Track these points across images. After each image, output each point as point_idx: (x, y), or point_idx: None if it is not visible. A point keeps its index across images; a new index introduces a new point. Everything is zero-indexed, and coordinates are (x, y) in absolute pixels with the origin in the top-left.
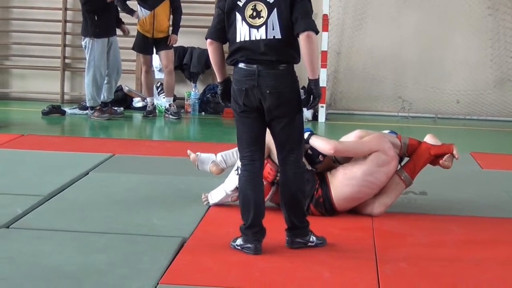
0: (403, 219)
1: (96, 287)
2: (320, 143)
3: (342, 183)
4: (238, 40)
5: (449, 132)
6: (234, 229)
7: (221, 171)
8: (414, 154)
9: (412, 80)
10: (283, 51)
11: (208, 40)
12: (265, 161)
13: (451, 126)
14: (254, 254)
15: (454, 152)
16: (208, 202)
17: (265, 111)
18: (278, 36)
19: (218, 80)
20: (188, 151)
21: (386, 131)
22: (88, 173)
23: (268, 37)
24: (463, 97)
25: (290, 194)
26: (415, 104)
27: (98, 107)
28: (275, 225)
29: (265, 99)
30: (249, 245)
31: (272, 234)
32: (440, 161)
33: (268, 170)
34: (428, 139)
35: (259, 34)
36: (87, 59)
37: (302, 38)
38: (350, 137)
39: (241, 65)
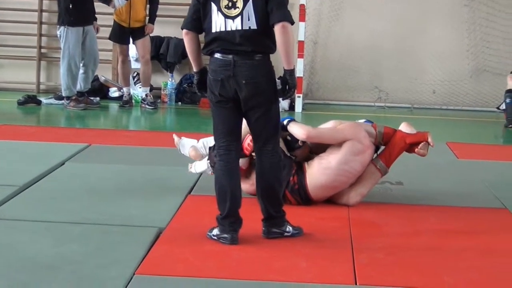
0: (379, 209)
1: (72, 277)
2: (295, 129)
3: (318, 172)
4: (213, 30)
5: (425, 122)
6: (210, 219)
7: (199, 157)
8: (389, 142)
9: (388, 71)
10: (259, 42)
11: (184, 31)
12: (246, 136)
13: (427, 116)
14: (230, 244)
15: (429, 140)
16: (191, 172)
17: (241, 101)
18: (254, 26)
19: (194, 70)
20: (174, 135)
21: (362, 120)
22: (64, 163)
23: (243, 28)
24: (439, 87)
25: (266, 184)
26: (392, 94)
27: (74, 97)
28: (252, 215)
29: (241, 89)
30: (225, 235)
31: (249, 224)
32: (416, 149)
33: (248, 142)
34: (403, 127)
35: (234, 25)
36: (62, 48)
37: (277, 29)
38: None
39: (217, 55)
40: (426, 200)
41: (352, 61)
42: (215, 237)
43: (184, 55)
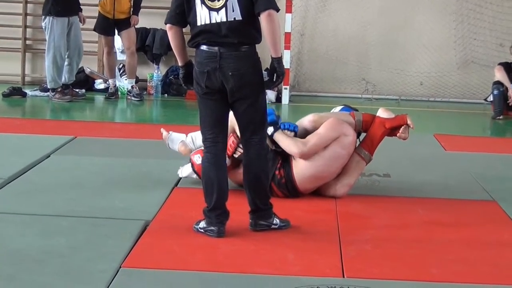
0: (366, 201)
1: (59, 270)
2: (287, 145)
3: (306, 163)
4: (198, 23)
5: (413, 114)
6: (197, 212)
7: (189, 152)
8: (369, 129)
9: (375, 62)
10: (244, 32)
11: (168, 25)
12: (230, 134)
13: (415, 108)
14: (217, 237)
15: (409, 122)
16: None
17: (227, 93)
18: (239, 17)
19: (180, 64)
20: (162, 129)
21: (338, 108)
22: (49, 156)
23: (228, 19)
24: (427, 79)
25: (253, 175)
26: (379, 86)
27: (59, 89)
28: (239, 208)
29: (228, 81)
30: (212, 228)
31: (236, 217)
32: (398, 134)
33: (230, 143)
34: (381, 113)
35: (219, 17)
36: (47, 40)
37: (263, 18)
38: (304, 122)
39: (203, 47)
40: (414, 192)
41: (339, 52)
42: (202, 230)
43: (170, 46)
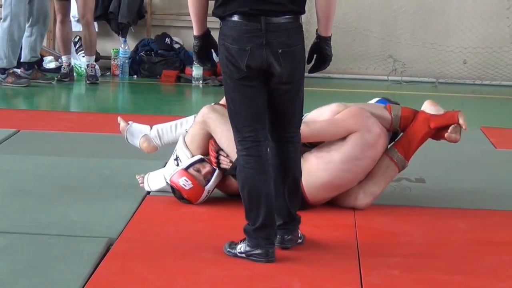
0: (394, 213)
1: None
2: None
3: (317, 167)
4: None
5: (454, 101)
6: (175, 227)
7: (153, 149)
8: (409, 127)
9: (406, 34)
10: None
11: None
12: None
13: (456, 94)
14: (266, 262)
15: (461, 121)
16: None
17: (273, 76)
18: None
19: (197, 33)
20: (119, 119)
21: (374, 100)
22: None
23: None
24: (472, 56)
25: (293, 179)
26: (410, 65)
27: (11, 70)
28: (228, 222)
29: (276, 60)
30: (259, 251)
31: (225, 232)
32: (446, 135)
33: (210, 153)
34: (427, 107)
35: None
36: (2, 3)
37: None
38: (325, 114)
39: (239, 17)
40: (455, 202)
41: (359, 22)
42: (243, 255)
43: (140, 14)
